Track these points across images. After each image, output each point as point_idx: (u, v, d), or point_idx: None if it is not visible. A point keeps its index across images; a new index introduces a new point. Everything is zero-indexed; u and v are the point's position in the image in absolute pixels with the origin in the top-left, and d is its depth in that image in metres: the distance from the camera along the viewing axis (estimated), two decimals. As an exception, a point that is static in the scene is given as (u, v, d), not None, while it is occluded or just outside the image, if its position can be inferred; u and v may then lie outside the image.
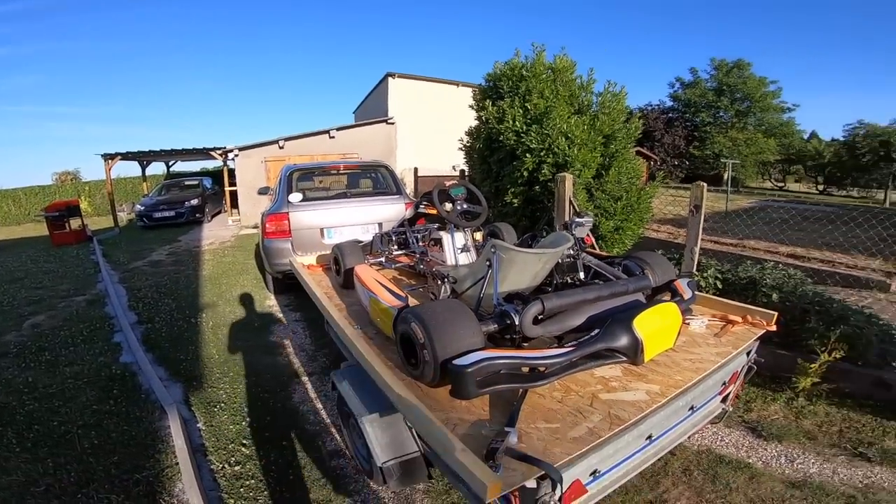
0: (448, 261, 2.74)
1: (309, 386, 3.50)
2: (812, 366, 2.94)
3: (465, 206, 2.78)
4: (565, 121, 4.90)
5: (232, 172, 14.57)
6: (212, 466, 2.59)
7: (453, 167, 7.12)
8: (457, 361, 1.40)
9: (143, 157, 16.52)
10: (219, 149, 14.45)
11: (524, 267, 1.98)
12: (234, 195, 14.40)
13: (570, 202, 4.59)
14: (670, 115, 33.94)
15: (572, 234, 2.36)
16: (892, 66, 59.54)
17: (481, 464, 1.18)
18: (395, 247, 3.38)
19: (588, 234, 2.58)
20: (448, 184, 2.83)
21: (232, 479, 2.48)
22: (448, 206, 2.73)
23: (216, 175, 19.00)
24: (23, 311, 5.52)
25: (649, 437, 1.58)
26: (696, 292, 2.25)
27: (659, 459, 1.97)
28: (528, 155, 5.04)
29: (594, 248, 2.99)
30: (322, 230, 5.31)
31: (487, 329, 1.70)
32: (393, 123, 15.10)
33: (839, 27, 59.92)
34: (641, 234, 5.76)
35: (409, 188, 12.15)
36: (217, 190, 16.65)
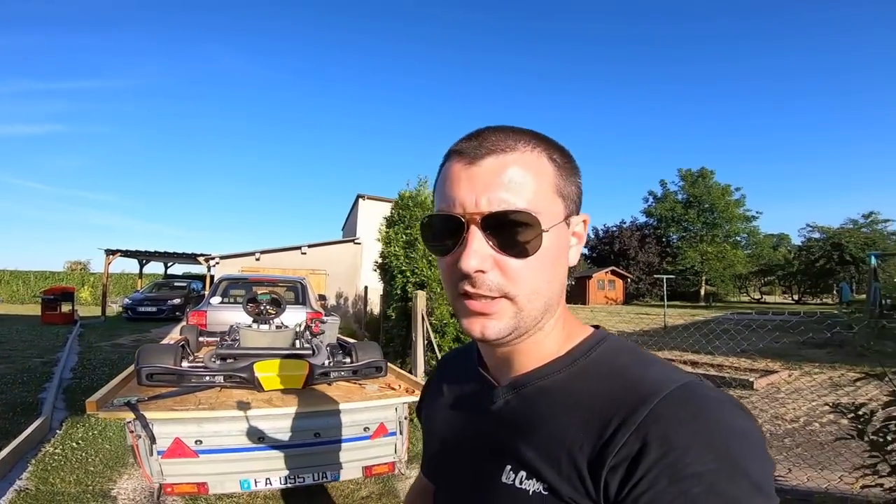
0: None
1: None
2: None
3: (267, 307, 3.78)
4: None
5: (212, 278, 15.86)
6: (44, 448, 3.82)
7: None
8: (139, 365, 2.43)
9: (140, 256, 18.54)
10: (204, 255, 16.07)
11: (257, 338, 3.29)
12: (212, 298, 15.66)
13: (423, 316, 5.43)
14: (644, 231, 34.35)
15: (308, 325, 3.69)
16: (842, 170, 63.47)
17: (92, 398, 2.12)
18: None
19: (317, 324, 3.68)
20: (260, 292, 3.88)
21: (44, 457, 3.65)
22: (251, 306, 3.80)
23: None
24: (-10, 362, 7.13)
25: (261, 438, 2.25)
26: (392, 367, 3.20)
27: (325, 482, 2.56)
28: (399, 275, 6.02)
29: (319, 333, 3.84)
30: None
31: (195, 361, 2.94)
32: (359, 244, 16.50)
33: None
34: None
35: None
36: (202, 293, 17.97)
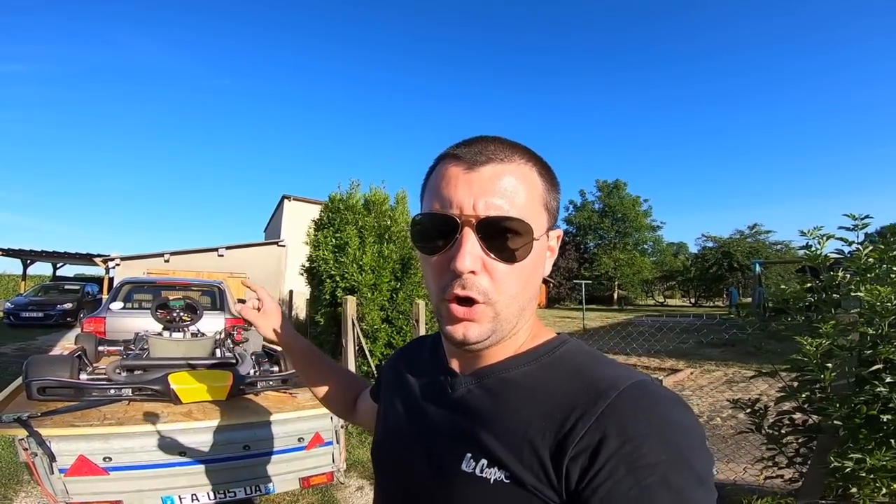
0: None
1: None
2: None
3: (181, 314, 3.45)
4: (357, 249, 5.79)
5: (112, 281, 14.35)
6: None
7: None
8: (29, 378, 2.21)
9: (25, 256, 16.49)
10: (102, 256, 14.48)
11: (171, 347, 3.04)
12: (111, 304, 14.18)
13: (353, 321, 5.27)
14: (564, 238, 36.81)
15: (230, 332, 3.48)
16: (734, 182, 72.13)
17: None
18: None
19: (239, 332, 3.50)
20: (171, 297, 3.55)
21: None
22: (161, 313, 3.47)
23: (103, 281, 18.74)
24: None
25: (182, 453, 2.11)
26: None
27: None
28: (328, 280, 5.80)
29: (243, 341, 3.69)
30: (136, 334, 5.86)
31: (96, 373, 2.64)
32: (284, 246, 15.74)
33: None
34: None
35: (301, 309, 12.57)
36: (100, 297, 16.34)
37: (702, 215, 73.86)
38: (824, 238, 2.92)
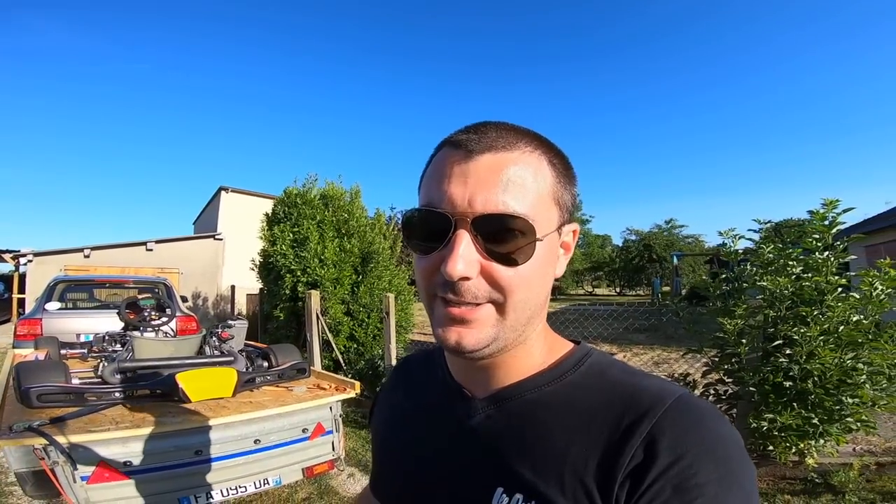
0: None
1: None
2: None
3: (152, 313, 3.45)
4: (317, 243, 5.88)
5: (24, 278, 13.00)
6: None
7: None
8: (25, 385, 2.12)
9: None
10: (11, 252, 13.06)
11: (157, 348, 3.03)
12: (23, 303, 12.79)
13: (318, 315, 5.39)
14: None
15: (215, 331, 3.39)
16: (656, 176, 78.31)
17: None
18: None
19: (224, 330, 3.41)
20: (140, 296, 3.53)
21: None
22: (132, 313, 3.40)
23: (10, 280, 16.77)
24: None
25: (198, 452, 2.18)
26: (313, 368, 3.26)
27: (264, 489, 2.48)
28: (288, 275, 5.83)
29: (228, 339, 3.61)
30: (78, 336, 5.58)
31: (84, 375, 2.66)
32: (221, 239, 15.02)
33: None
34: (408, 339, 6.78)
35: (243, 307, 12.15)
36: (8, 296, 14.67)
37: (625, 209, 79.21)
38: (737, 237, 3.59)
